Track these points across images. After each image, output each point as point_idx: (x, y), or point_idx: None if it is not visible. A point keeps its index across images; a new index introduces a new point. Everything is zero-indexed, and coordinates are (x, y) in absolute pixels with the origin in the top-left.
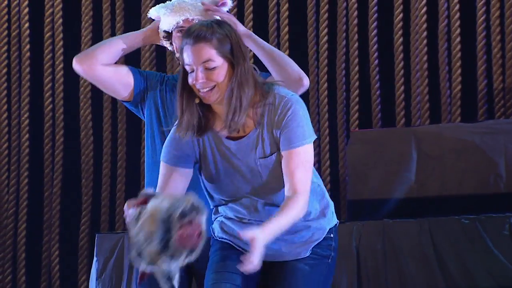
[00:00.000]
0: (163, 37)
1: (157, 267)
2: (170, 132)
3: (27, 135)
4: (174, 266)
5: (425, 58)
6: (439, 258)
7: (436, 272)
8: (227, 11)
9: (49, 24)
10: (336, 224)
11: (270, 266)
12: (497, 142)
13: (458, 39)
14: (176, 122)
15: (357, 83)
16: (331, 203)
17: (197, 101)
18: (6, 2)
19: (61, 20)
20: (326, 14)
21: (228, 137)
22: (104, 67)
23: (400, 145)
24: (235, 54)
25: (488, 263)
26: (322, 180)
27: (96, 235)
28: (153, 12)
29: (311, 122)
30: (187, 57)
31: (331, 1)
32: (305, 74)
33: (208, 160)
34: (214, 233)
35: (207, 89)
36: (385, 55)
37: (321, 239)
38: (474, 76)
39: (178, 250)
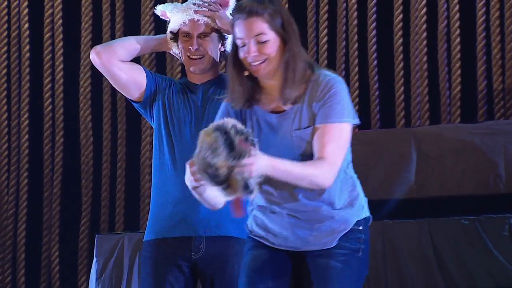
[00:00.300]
0: (170, 39)
1: (234, 187)
2: (219, 108)
3: (26, 136)
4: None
5: (424, 58)
6: (439, 258)
7: (436, 272)
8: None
9: (49, 24)
10: (366, 218)
11: (300, 264)
12: (497, 143)
13: (458, 39)
14: (227, 94)
15: (356, 84)
16: (363, 197)
17: (246, 73)
18: (6, 2)
19: (61, 21)
20: (326, 15)
21: (270, 111)
22: (121, 63)
23: (400, 146)
24: (286, 29)
25: (487, 264)
26: None
27: (96, 235)
28: (160, 8)
29: None
30: (239, 31)
31: (331, 1)
32: None
33: None
34: (248, 229)
35: (259, 62)
36: (384, 56)
37: (348, 230)
38: (473, 76)
39: (243, 150)
